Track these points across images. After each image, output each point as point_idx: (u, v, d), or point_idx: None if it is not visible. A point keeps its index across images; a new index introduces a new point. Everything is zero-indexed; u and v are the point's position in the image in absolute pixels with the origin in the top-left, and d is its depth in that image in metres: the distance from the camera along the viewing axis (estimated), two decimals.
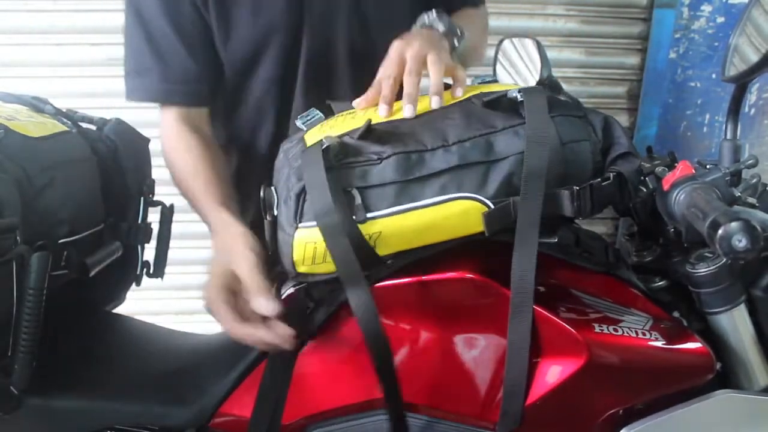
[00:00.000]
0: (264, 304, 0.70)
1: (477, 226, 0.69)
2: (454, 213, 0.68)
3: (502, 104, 0.73)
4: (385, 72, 0.79)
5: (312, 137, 0.74)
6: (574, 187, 0.69)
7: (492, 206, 0.68)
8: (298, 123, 0.80)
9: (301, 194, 0.68)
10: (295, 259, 0.70)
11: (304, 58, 1.00)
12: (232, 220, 0.82)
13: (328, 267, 0.69)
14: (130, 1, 0.96)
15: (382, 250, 0.69)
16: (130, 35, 0.97)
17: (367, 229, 0.68)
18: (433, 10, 0.89)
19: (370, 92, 0.79)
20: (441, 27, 0.87)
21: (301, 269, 0.71)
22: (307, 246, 0.69)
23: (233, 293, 0.73)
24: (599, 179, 0.70)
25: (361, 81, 0.81)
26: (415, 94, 0.75)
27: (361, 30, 1.01)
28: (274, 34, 0.97)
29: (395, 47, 0.80)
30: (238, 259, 0.74)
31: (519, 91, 0.72)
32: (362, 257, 0.68)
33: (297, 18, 0.97)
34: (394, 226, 0.68)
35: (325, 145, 0.68)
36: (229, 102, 1.04)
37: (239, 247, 0.75)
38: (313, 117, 0.80)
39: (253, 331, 0.70)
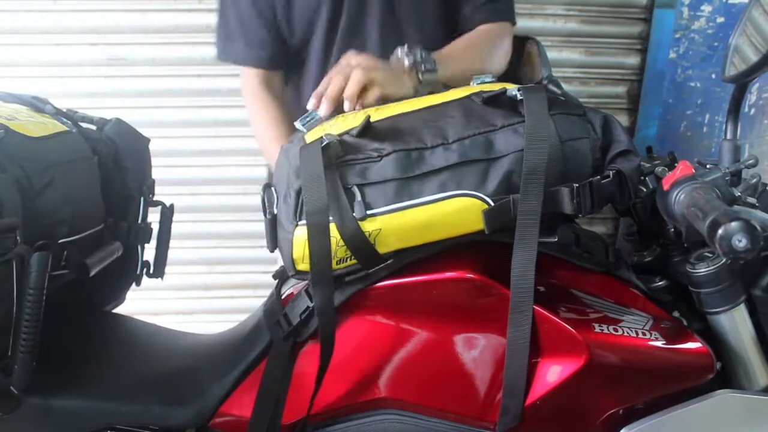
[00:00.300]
0: None
1: (477, 223, 0.69)
2: (454, 210, 0.68)
3: (502, 102, 0.73)
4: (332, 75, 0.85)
5: (312, 137, 0.74)
6: (574, 185, 0.69)
7: (492, 203, 0.68)
8: (297, 125, 0.80)
9: (301, 192, 0.68)
10: (294, 256, 0.70)
11: (341, 30, 1.11)
12: None
13: None
14: None
15: (382, 248, 0.69)
16: (222, 7, 1.17)
17: (367, 226, 0.68)
18: (405, 45, 0.93)
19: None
20: (407, 62, 0.91)
21: (300, 267, 0.71)
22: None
23: None
24: (599, 177, 0.70)
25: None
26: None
27: (391, 13, 1.09)
28: (322, 6, 1.10)
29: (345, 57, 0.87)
30: None
31: (518, 90, 0.72)
32: (363, 256, 0.69)
33: None
34: (394, 224, 0.68)
35: (324, 142, 0.68)
36: (287, 74, 1.21)
37: None
38: (313, 118, 0.80)
39: None
